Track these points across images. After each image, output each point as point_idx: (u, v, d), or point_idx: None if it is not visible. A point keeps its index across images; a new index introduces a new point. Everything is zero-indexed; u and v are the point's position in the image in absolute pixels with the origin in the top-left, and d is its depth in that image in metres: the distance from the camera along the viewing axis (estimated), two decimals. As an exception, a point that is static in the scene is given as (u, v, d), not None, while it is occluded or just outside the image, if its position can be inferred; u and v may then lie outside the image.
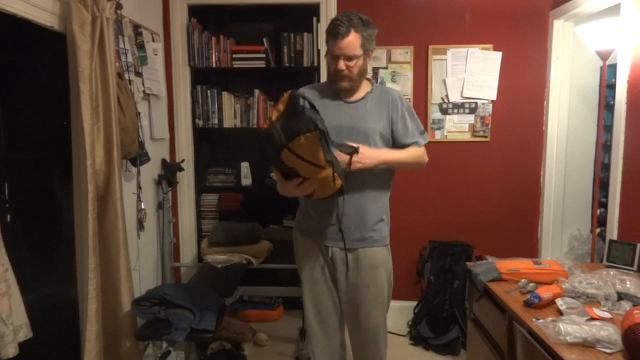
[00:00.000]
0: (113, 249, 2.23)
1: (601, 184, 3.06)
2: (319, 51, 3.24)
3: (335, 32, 1.82)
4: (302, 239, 2.06)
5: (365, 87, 1.98)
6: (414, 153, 1.96)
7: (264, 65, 3.35)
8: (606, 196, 2.57)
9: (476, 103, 3.22)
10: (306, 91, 2.00)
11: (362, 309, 1.97)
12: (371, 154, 1.82)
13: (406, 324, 3.20)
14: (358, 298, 1.97)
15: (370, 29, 1.87)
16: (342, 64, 1.84)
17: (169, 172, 3.16)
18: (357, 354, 2.08)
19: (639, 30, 2.29)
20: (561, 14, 3.01)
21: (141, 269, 2.80)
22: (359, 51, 1.84)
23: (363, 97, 1.95)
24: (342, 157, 1.73)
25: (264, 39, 3.35)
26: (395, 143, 1.95)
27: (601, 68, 2.84)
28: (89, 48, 1.99)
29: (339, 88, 1.91)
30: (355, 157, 1.75)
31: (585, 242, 3.31)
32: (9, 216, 2.07)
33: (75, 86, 1.97)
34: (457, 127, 3.24)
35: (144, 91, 2.82)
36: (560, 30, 3.09)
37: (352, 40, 1.82)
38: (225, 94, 3.42)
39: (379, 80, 3.20)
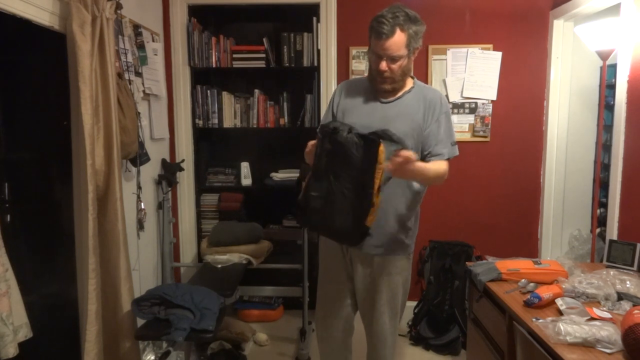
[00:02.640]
0: (113, 249, 2.23)
1: (601, 184, 3.06)
2: (319, 51, 3.24)
3: (378, 32, 1.69)
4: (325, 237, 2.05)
5: (404, 86, 1.85)
6: (438, 169, 1.79)
7: (264, 65, 3.35)
8: (606, 196, 2.56)
9: (476, 103, 3.22)
10: (345, 86, 1.95)
11: (374, 312, 1.97)
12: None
13: (406, 324, 3.20)
14: (370, 301, 1.97)
15: (417, 25, 1.73)
16: (384, 65, 1.73)
17: (169, 172, 3.16)
18: (367, 355, 2.10)
19: (639, 30, 2.29)
20: (561, 14, 3.01)
21: (141, 269, 2.80)
22: (403, 51, 1.72)
23: (399, 97, 1.84)
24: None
25: (264, 39, 3.35)
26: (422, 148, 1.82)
27: (601, 68, 2.85)
28: (89, 48, 1.99)
29: (379, 89, 1.82)
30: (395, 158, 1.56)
31: (585, 242, 3.31)
32: (9, 216, 2.07)
33: (75, 86, 1.97)
34: (457, 127, 3.23)
35: (144, 91, 2.81)
36: (560, 30, 3.08)
37: (397, 40, 1.69)
38: (225, 94, 3.42)
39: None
